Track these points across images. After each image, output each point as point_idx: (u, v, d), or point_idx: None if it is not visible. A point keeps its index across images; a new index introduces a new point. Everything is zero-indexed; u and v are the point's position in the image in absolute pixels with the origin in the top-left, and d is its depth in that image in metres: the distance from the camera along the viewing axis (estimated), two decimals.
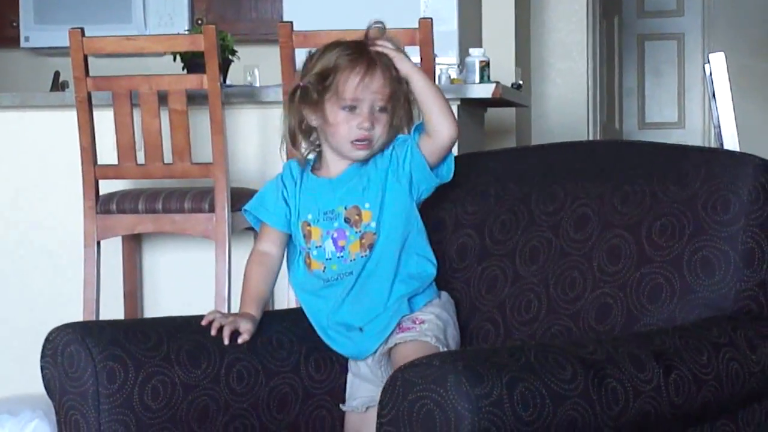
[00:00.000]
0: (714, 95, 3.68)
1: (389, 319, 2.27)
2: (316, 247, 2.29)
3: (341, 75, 2.24)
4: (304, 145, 2.33)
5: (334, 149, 2.30)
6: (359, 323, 2.29)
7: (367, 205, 2.28)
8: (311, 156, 2.36)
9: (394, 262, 2.28)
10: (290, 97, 2.31)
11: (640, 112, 8.00)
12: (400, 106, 2.27)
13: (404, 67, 2.27)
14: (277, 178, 2.37)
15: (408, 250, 2.29)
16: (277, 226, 2.35)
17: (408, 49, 3.56)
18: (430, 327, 2.25)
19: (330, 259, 2.28)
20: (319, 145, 2.33)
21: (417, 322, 2.26)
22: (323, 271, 2.30)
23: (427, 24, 3.80)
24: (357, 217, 2.28)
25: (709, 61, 3.68)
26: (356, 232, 2.27)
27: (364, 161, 2.30)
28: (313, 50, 2.33)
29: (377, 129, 2.26)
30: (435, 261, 2.33)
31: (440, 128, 2.25)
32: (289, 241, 2.36)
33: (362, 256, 2.27)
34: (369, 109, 2.24)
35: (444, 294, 2.34)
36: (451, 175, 2.32)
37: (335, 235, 2.28)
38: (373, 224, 2.27)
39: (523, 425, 1.75)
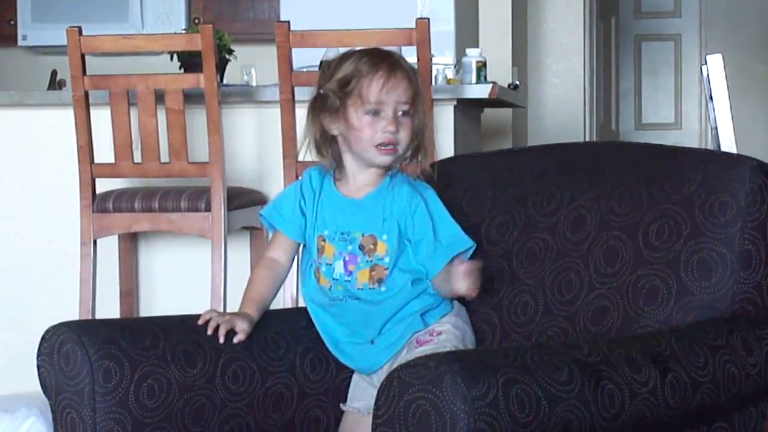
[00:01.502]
0: (711, 97, 3.68)
1: (402, 332, 2.27)
2: (327, 264, 2.29)
3: (364, 79, 2.23)
4: (327, 154, 2.31)
5: (358, 157, 2.28)
6: (370, 337, 2.29)
7: (384, 237, 2.27)
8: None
9: (407, 293, 2.27)
10: (311, 106, 2.30)
11: (637, 113, 8.01)
12: (421, 109, 2.27)
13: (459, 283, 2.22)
14: (296, 186, 2.35)
15: (424, 278, 2.29)
16: (290, 236, 2.34)
17: (405, 49, 3.58)
18: (449, 338, 2.24)
19: (337, 279, 2.28)
20: (340, 156, 2.31)
21: (434, 334, 2.25)
22: (329, 290, 2.29)
23: (423, 24, 3.79)
24: (371, 247, 2.27)
25: (706, 63, 3.69)
26: (367, 261, 2.27)
27: (391, 188, 2.28)
28: (327, 60, 2.32)
29: (402, 133, 2.24)
30: None
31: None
32: (304, 250, 2.36)
33: (370, 288, 2.27)
34: (393, 112, 2.24)
35: (455, 302, 2.33)
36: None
37: (347, 258, 2.28)
38: (387, 259, 2.26)
39: (519, 427, 1.74)
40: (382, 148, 2.25)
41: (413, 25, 3.80)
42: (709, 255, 2.12)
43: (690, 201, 2.16)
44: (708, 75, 3.67)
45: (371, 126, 2.24)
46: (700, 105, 7.78)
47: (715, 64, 3.64)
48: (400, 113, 2.25)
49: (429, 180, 2.35)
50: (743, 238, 2.11)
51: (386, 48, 2.34)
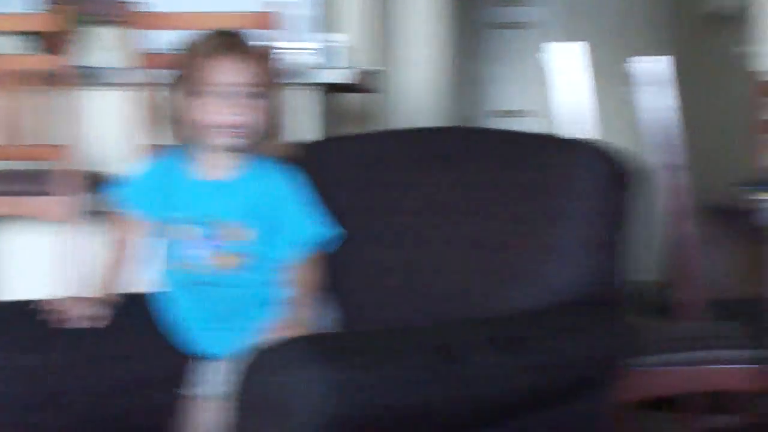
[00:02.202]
0: (554, 83, 3.76)
1: (262, 320, 2.24)
2: (187, 247, 2.27)
3: (202, 61, 2.22)
4: (182, 136, 2.28)
5: (206, 139, 2.26)
6: (229, 322, 2.27)
7: (247, 223, 2.25)
8: (186, 145, 2.31)
9: (270, 281, 2.26)
10: (165, 89, 2.28)
11: (493, 100, 8.12)
12: (268, 92, 2.25)
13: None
14: (151, 166, 2.33)
15: (288, 267, 2.28)
16: (143, 217, 2.32)
17: (260, 33, 3.56)
18: (311, 326, 2.22)
19: (197, 263, 2.26)
20: (197, 137, 2.29)
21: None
22: (189, 273, 2.27)
23: (278, 8, 3.78)
24: (234, 232, 2.25)
25: (546, 51, 3.76)
26: (230, 247, 2.25)
27: (252, 173, 2.26)
28: (187, 41, 2.31)
29: (243, 115, 2.23)
30: None
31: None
32: (161, 231, 2.32)
33: (232, 274, 2.25)
34: (232, 94, 2.22)
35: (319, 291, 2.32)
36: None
37: (208, 242, 2.25)
38: (250, 246, 2.25)
39: (378, 409, 1.76)
40: (221, 129, 2.23)
41: (267, 9, 3.79)
42: (557, 240, 2.16)
43: (537, 186, 2.20)
44: (550, 62, 3.75)
45: (210, 107, 2.23)
46: (549, 92, 7.91)
47: (557, 51, 3.72)
48: (241, 94, 2.23)
49: (294, 163, 2.34)
50: (590, 222, 2.16)
51: (238, 30, 2.32)
